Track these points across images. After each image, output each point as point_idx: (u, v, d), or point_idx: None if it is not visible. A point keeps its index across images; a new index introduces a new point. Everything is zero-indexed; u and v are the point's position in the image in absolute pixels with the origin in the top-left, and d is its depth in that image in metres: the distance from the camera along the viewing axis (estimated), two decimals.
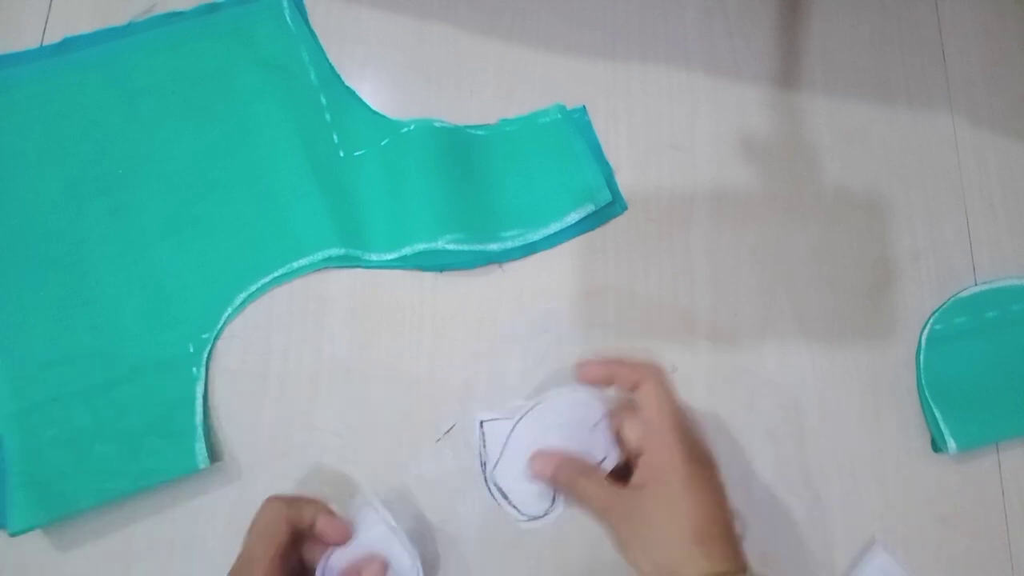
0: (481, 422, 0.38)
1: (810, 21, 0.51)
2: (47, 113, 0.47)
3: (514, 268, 0.46)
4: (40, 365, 0.43)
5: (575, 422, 0.36)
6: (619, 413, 0.37)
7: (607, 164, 0.48)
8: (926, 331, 0.46)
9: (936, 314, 0.47)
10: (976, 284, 0.47)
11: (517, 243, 0.46)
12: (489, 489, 0.37)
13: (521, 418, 0.37)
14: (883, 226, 0.48)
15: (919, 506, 0.44)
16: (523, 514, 0.36)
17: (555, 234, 0.46)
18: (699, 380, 0.45)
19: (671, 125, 0.49)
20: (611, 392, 0.37)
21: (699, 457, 0.35)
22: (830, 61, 0.50)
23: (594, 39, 0.50)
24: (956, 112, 0.50)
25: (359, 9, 0.50)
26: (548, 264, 0.46)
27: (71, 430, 0.42)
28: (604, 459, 0.36)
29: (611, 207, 0.47)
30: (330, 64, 0.49)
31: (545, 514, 0.37)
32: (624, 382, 0.36)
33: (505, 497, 0.37)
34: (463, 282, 0.46)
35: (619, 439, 0.36)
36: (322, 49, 0.49)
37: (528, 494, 0.36)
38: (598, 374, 0.37)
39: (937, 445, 0.44)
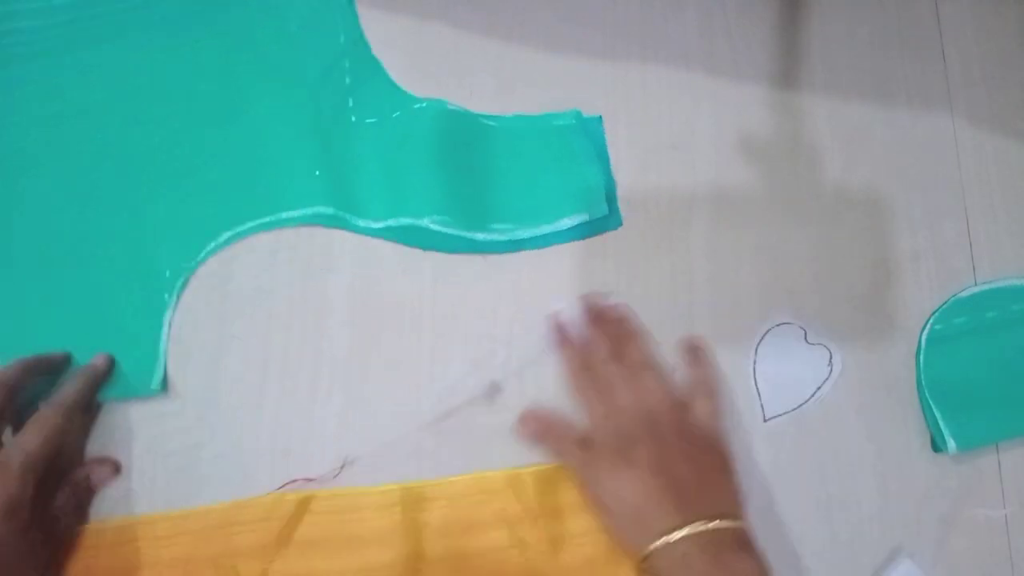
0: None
1: (810, 21, 0.51)
2: (83, 35, 0.48)
3: (514, 266, 0.46)
4: (23, 268, 0.44)
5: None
6: None
7: (611, 178, 0.48)
8: (926, 331, 0.46)
9: (936, 314, 0.47)
10: (976, 284, 0.47)
11: (504, 237, 0.46)
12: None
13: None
14: (883, 226, 0.48)
15: (919, 506, 0.44)
16: None
17: (544, 236, 0.46)
18: None
19: (671, 125, 0.49)
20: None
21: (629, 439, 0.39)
22: (830, 61, 0.50)
23: (594, 39, 0.50)
24: (956, 112, 0.50)
25: (358, 9, 0.50)
26: (548, 263, 0.46)
27: (42, 335, 0.43)
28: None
29: (606, 220, 0.47)
30: (360, 30, 0.49)
31: None
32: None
33: None
34: (463, 282, 0.46)
35: None
36: (356, 14, 0.49)
37: None
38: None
39: (937, 445, 0.44)
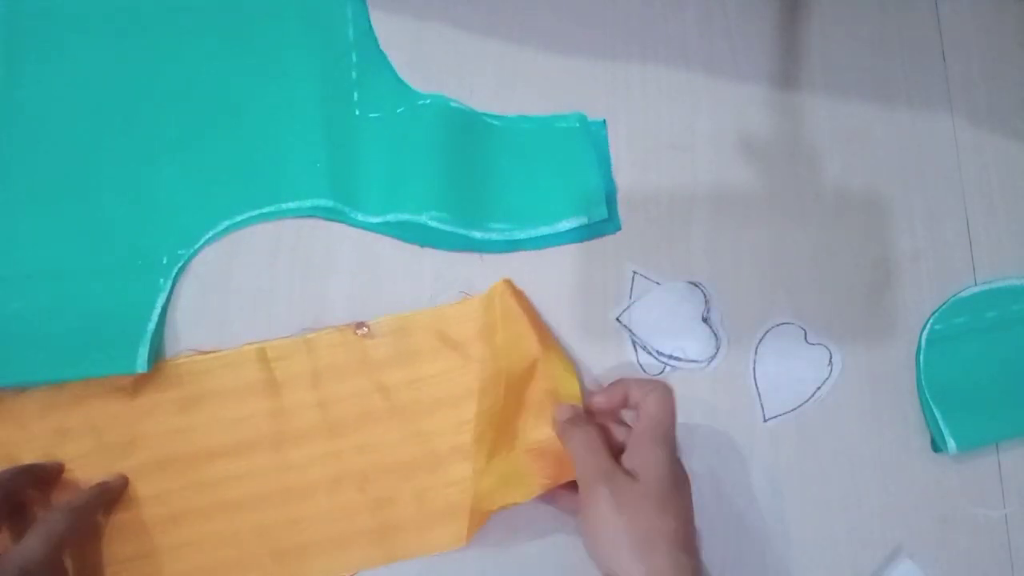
0: (634, 272, 0.46)
1: (810, 21, 0.51)
2: (93, 12, 0.48)
3: (513, 267, 0.46)
4: (24, 242, 0.44)
5: (691, 312, 0.45)
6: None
7: (612, 182, 0.48)
8: (926, 331, 0.46)
9: (936, 314, 0.47)
10: (976, 284, 0.47)
11: (502, 236, 0.46)
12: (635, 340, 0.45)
13: (654, 289, 0.45)
14: (883, 226, 0.48)
15: (919, 506, 0.44)
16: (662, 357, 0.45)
17: (542, 237, 0.46)
18: (699, 381, 0.45)
19: (671, 125, 0.49)
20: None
21: (678, 471, 0.38)
22: (830, 61, 0.50)
23: (594, 39, 0.50)
24: (956, 112, 0.50)
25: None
26: (547, 263, 0.46)
27: (35, 308, 0.43)
28: (716, 352, 0.45)
29: (605, 224, 0.47)
30: (370, 24, 0.49)
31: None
32: (635, 396, 0.40)
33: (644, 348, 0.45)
34: (463, 283, 0.46)
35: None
36: (366, 8, 0.49)
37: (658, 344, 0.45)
38: (609, 401, 0.41)
39: (937, 445, 0.44)
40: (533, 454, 0.41)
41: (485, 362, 0.44)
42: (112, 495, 0.41)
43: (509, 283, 0.45)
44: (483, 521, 0.41)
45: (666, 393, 0.39)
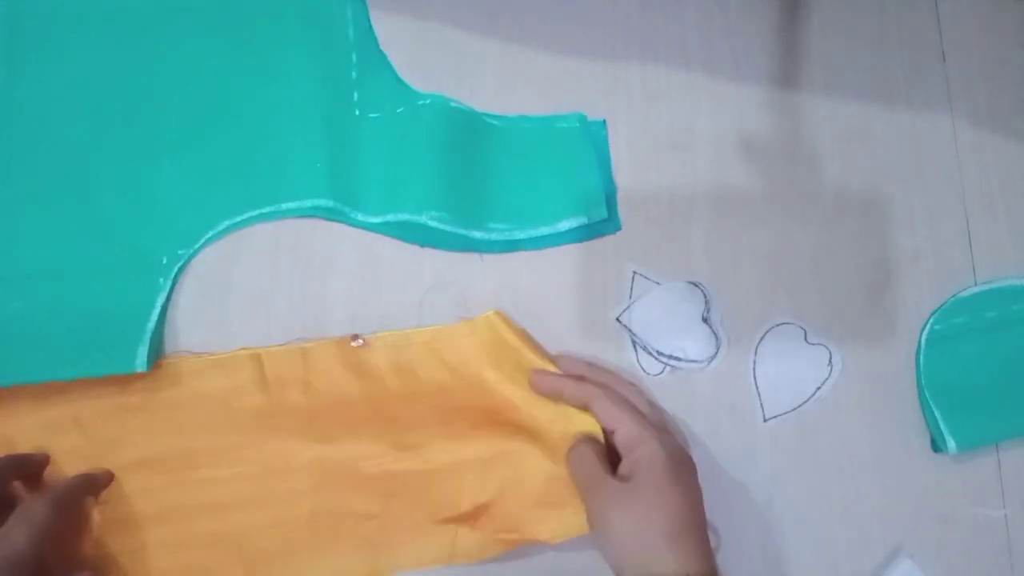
0: (634, 272, 0.46)
1: (810, 21, 0.51)
2: (93, 11, 0.48)
3: (514, 267, 0.46)
4: (23, 242, 0.44)
5: (691, 312, 0.45)
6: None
7: (612, 182, 0.48)
8: (926, 331, 0.46)
9: (936, 314, 0.47)
10: (976, 284, 0.47)
11: (502, 236, 0.46)
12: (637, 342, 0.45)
13: (654, 289, 0.46)
14: (883, 226, 0.48)
15: (919, 506, 0.44)
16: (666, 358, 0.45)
17: (542, 237, 0.46)
18: (699, 381, 0.45)
19: (671, 125, 0.49)
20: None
21: (680, 458, 0.38)
22: (830, 61, 0.50)
23: (594, 39, 0.50)
24: (956, 112, 0.50)
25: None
26: (547, 263, 0.46)
27: (35, 308, 0.43)
28: (716, 352, 0.45)
29: (605, 224, 0.47)
30: (370, 24, 0.49)
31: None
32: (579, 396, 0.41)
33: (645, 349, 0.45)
34: (463, 283, 0.46)
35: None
36: (366, 8, 0.49)
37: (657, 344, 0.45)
38: (551, 386, 0.42)
39: (937, 445, 0.44)
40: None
41: (492, 388, 0.43)
42: (96, 486, 0.41)
43: (501, 314, 0.44)
44: (502, 549, 0.41)
45: (604, 404, 0.40)
